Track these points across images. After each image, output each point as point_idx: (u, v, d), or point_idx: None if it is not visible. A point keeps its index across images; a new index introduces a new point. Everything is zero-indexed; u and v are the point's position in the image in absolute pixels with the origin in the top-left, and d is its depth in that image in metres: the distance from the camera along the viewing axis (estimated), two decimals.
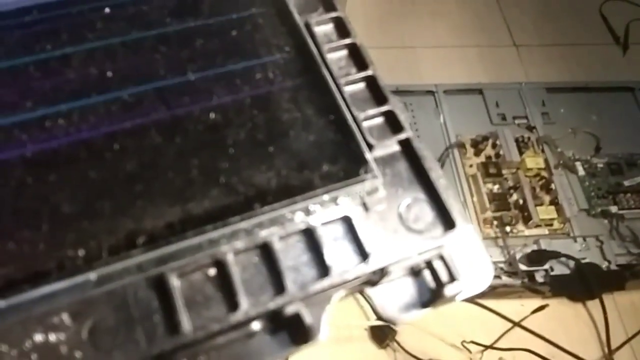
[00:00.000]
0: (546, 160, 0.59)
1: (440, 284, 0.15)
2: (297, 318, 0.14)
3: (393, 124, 0.18)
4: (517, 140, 0.60)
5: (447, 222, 0.16)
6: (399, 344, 0.52)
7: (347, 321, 0.54)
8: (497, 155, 0.59)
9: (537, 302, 0.54)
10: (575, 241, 0.55)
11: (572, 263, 0.53)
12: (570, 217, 0.56)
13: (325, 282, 0.15)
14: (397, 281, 0.16)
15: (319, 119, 0.17)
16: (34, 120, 0.17)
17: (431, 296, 0.16)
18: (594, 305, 0.55)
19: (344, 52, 0.19)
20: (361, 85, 0.18)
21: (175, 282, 0.14)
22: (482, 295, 0.55)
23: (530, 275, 0.53)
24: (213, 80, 0.18)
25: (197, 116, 0.17)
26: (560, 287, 0.54)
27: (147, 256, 0.14)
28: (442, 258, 0.16)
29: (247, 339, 0.14)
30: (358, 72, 0.18)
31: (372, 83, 0.18)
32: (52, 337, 0.14)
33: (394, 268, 0.15)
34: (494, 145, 0.60)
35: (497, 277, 0.53)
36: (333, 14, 0.19)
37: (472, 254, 0.16)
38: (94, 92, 0.17)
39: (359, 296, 0.57)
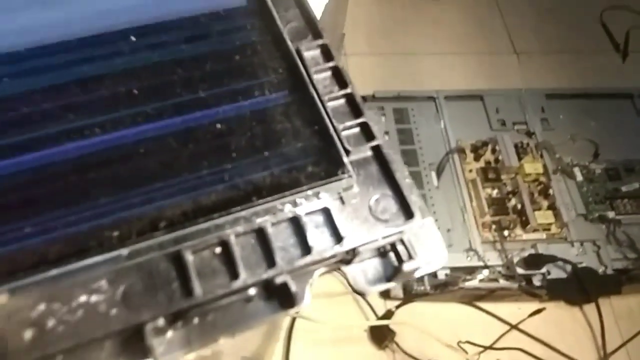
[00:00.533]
0: (545, 166, 0.62)
1: (400, 262, 0.20)
2: (285, 287, 0.19)
3: (367, 133, 0.23)
4: (516, 146, 0.64)
5: (408, 214, 0.21)
6: (397, 345, 0.55)
7: (347, 322, 0.57)
8: (497, 160, 0.63)
9: (534, 305, 0.58)
10: (573, 246, 0.59)
11: (569, 267, 0.57)
12: (568, 221, 0.60)
13: (308, 259, 0.20)
14: (367, 261, 0.21)
15: (306, 129, 0.22)
16: (76, 129, 0.22)
17: (394, 272, 0.20)
18: (590, 309, 0.58)
19: (328, 74, 0.24)
20: (342, 101, 0.23)
21: (189, 257, 0.19)
22: (480, 298, 0.58)
23: (528, 278, 0.56)
24: (220, 97, 0.23)
25: (206, 126, 0.22)
26: (557, 291, 0.57)
27: (167, 237, 0.19)
28: (402, 242, 0.20)
29: (245, 303, 0.19)
30: (339, 90, 0.24)
31: (350, 99, 0.23)
32: (93, 298, 0.18)
33: (363, 249, 0.20)
34: (493, 151, 0.63)
35: (494, 280, 0.56)
36: (320, 42, 0.24)
37: (430, 241, 0.21)
38: (123, 106, 0.22)
39: (358, 298, 0.60)
